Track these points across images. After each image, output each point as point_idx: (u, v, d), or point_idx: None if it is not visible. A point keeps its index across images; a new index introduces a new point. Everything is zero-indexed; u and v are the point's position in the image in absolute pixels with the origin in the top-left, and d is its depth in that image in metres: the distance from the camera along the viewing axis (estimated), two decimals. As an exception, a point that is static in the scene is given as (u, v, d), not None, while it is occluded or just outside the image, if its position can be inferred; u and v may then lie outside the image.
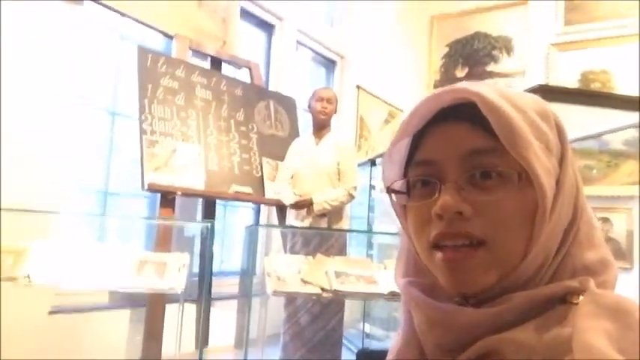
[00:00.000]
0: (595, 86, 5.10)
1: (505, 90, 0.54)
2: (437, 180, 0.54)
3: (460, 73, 6.16)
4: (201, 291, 3.50)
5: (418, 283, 0.58)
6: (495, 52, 5.91)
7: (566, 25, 5.44)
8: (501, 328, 0.48)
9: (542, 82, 4.85)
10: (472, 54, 6.07)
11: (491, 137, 0.51)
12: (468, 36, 6.09)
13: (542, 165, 0.50)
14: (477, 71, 6.03)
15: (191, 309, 3.37)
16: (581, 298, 0.48)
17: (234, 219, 4.42)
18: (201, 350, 2.00)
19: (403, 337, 0.59)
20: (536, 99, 0.55)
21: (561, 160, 0.53)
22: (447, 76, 6.24)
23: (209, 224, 2.11)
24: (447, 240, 0.52)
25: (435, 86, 6.30)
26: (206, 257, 2.12)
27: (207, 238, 2.13)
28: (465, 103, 0.53)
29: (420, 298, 0.56)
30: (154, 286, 2.07)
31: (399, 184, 0.59)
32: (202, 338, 2.00)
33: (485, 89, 0.52)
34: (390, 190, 0.59)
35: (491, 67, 5.93)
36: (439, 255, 0.53)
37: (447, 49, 6.27)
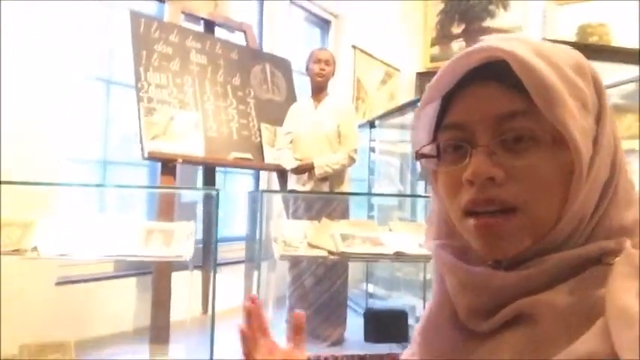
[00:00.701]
0: (593, 40, 5.05)
1: (540, 45, 0.51)
2: (467, 144, 0.52)
3: (456, 29, 6.07)
4: (208, 257, 3.52)
5: (449, 246, 0.58)
6: (492, 7, 5.81)
7: (564, -22, 5.35)
8: (535, 291, 0.47)
9: (541, 37, 4.78)
10: (468, 10, 5.97)
11: (524, 98, 0.49)
12: (464, -9, 5.99)
13: (579, 125, 0.48)
14: (474, 27, 5.94)
15: (195, 276, 3.40)
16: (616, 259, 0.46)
17: (232, 186, 4.41)
18: (212, 314, 2.02)
19: (436, 300, 0.58)
20: (573, 53, 0.52)
21: (599, 118, 0.51)
22: (442, 33, 6.16)
23: (216, 191, 2.11)
24: (479, 207, 0.51)
25: (432, 44, 6.22)
26: (212, 223, 2.13)
27: (214, 204, 2.12)
28: (497, 62, 0.50)
29: (452, 262, 0.55)
30: (162, 255, 2.08)
31: (428, 149, 0.57)
32: (212, 303, 2.02)
33: (518, 46, 0.49)
34: (419, 155, 0.58)
35: (487, 23, 5.85)
36: (471, 221, 0.52)
37: (442, 5, 6.16)
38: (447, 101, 0.56)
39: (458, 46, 6.07)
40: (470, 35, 5.96)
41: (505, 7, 5.74)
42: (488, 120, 0.51)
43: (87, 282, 2.99)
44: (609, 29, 5.00)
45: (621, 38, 4.78)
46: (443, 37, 6.16)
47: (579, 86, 0.50)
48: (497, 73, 0.51)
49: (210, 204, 3.46)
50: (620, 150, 0.53)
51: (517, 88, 0.49)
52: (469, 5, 5.97)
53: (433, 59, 6.20)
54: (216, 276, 3.39)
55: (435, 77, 0.55)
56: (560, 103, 0.47)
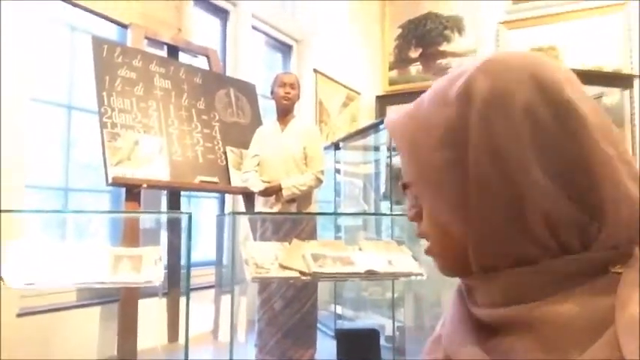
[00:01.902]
0: (543, 62, 5.25)
1: (422, 97, 0.54)
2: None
3: (414, 53, 6.24)
4: (174, 284, 3.46)
5: None
6: (447, 32, 6.01)
7: (514, 3, 5.60)
8: (538, 298, 0.46)
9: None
10: (425, 34, 6.16)
11: None
12: (420, 16, 6.18)
13: (426, 167, 0.51)
14: (430, 51, 6.13)
15: (161, 303, 3.33)
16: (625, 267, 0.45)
17: (196, 210, 4.36)
18: (186, 340, 1.99)
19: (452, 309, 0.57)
20: (450, 76, 0.52)
21: (465, 139, 0.47)
22: (400, 57, 6.32)
23: (188, 214, 2.09)
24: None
25: (390, 68, 6.37)
26: (182, 248, 2.11)
27: (185, 228, 2.10)
28: None
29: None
30: (132, 281, 2.04)
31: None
32: (186, 329, 1.99)
33: (400, 110, 0.55)
34: (403, 186, 0.61)
35: (444, 47, 6.04)
36: None
37: (399, 31, 6.34)
38: None
39: (415, 69, 6.25)
40: (426, 59, 6.15)
41: (460, 32, 5.95)
42: None
43: (50, 312, 2.88)
44: (559, 52, 5.25)
45: (570, 61, 5.02)
46: (401, 61, 6.32)
47: (434, 123, 0.50)
48: None
49: (176, 229, 3.43)
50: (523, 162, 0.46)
51: None
52: (425, 30, 6.16)
53: (392, 82, 6.35)
54: (184, 302, 3.35)
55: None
56: (410, 157, 0.53)
